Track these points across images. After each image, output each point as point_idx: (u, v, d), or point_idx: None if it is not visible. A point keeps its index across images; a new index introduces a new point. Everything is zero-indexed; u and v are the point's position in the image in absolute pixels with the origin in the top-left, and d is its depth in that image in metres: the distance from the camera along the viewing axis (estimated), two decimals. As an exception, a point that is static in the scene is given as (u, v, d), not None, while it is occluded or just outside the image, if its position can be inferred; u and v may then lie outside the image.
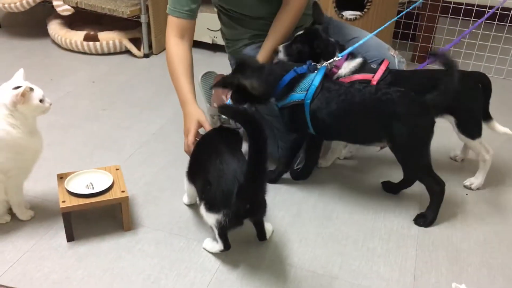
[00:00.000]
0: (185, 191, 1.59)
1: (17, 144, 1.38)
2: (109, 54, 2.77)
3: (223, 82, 1.59)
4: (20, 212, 1.50)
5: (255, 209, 1.35)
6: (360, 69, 1.66)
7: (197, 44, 2.79)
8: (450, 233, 1.55)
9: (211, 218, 1.32)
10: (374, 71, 1.64)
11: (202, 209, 1.34)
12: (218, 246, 1.38)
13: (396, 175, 1.69)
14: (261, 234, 1.47)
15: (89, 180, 1.50)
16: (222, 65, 2.01)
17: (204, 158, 1.40)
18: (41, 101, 1.42)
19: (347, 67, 1.66)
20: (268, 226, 1.49)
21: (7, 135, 1.36)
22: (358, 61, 1.67)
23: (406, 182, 1.68)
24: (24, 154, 1.42)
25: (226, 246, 1.38)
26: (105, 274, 1.35)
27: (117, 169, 1.55)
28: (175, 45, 1.73)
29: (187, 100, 1.67)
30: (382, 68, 1.65)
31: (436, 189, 1.55)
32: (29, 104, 1.38)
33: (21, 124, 1.38)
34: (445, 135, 1.76)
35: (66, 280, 1.32)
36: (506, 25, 2.76)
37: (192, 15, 1.74)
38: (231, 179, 1.27)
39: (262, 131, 1.16)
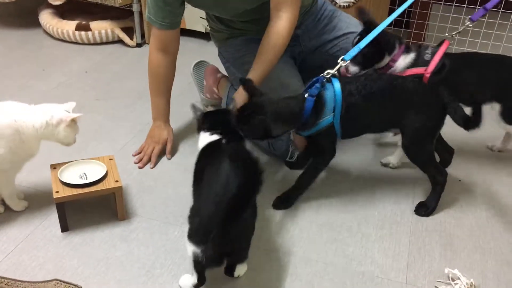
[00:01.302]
0: None
1: (21, 142, 1.40)
2: (102, 43, 2.75)
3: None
4: (13, 203, 1.50)
5: (235, 254, 1.23)
6: (414, 63, 1.63)
7: (190, 33, 2.78)
8: (443, 219, 1.56)
9: (189, 248, 1.17)
10: (427, 64, 1.61)
11: (186, 233, 1.19)
12: (192, 280, 1.23)
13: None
14: (230, 270, 1.31)
15: (83, 170, 1.50)
16: (215, 54, 1.99)
17: (201, 175, 1.25)
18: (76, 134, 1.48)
19: (402, 62, 1.62)
20: (243, 267, 1.33)
21: (19, 131, 1.38)
22: (412, 56, 1.63)
23: None
24: (21, 154, 1.43)
25: (200, 280, 1.22)
26: (100, 263, 1.35)
27: (110, 159, 1.55)
28: (156, 61, 1.71)
29: (159, 119, 1.82)
30: (436, 59, 1.61)
31: (439, 179, 1.55)
32: (70, 130, 1.44)
33: (41, 134, 1.42)
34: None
35: (61, 269, 1.32)
36: (511, 13, 2.75)
37: (174, 26, 1.68)
38: (213, 214, 1.12)
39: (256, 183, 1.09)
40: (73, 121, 1.43)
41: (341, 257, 1.40)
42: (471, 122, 1.41)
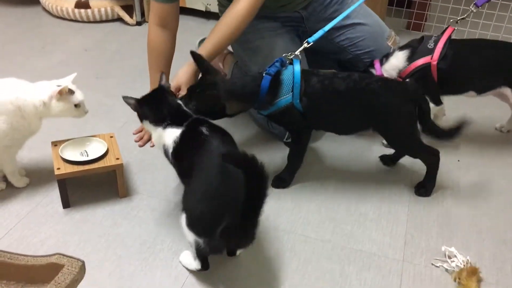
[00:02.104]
0: None
1: (23, 119, 1.40)
2: (101, 21, 2.73)
3: (192, 99, 1.39)
4: (15, 179, 1.51)
5: (242, 244, 1.19)
6: (413, 56, 1.64)
7: (190, 12, 2.76)
8: (441, 199, 1.58)
9: (190, 236, 1.18)
10: (431, 52, 1.61)
11: (183, 220, 1.18)
12: (195, 265, 1.26)
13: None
14: (232, 253, 1.33)
15: (83, 148, 1.51)
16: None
17: (198, 161, 1.20)
18: (76, 105, 1.45)
19: (390, 67, 1.66)
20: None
21: (21, 109, 1.39)
22: (400, 54, 1.66)
23: (398, 154, 1.70)
24: (22, 130, 1.43)
25: (204, 266, 1.25)
26: (101, 239, 1.37)
27: (111, 137, 1.56)
28: (155, 36, 1.68)
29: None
30: (439, 46, 1.61)
31: (433, 160, 1.55)
32: (62, 103, 1.42)
33: (41, 112, 1.42)
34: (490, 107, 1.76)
35: (63, 245, 1.34)
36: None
37: None
38: (221, 206, 1.12)
39: (263, 181, 1.05)
40: (62, 93, 1.40)
41: (338, 236, 1.42)
42: (444, 132, 1.48)
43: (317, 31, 1.79)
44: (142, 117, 1.34)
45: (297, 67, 1.45)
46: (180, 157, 1.26)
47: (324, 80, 1.46)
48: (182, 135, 1.25)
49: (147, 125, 1.33)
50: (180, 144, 1.25)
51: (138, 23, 2.73)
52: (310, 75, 1.46)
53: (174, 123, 1.27)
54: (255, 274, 1.29)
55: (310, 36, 1.84)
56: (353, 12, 1.82)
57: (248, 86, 1.44)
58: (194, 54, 1.42)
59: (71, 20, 2.73)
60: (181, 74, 1.51)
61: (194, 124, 1.27)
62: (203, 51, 1.48)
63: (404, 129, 1.50)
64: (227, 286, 1.26)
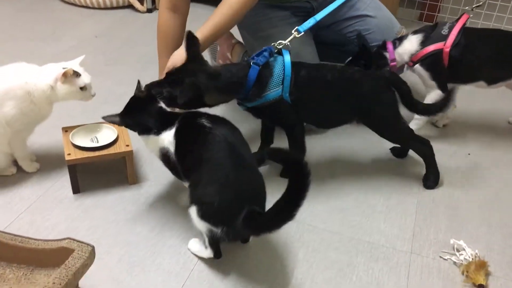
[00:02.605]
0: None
1: (34, 103, 1.41)
2: (112, 8, 2.73)
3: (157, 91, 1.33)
4: (26, 164, 1.52)
5: (264, 232, 1.17)
6: (426, 41, 1.63)
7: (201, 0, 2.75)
8: (451, 192, 1.57)
9: (202, 226, 1.18)
10: (444, 38, 1.60)
11: (193, 212, 1.18)
12: (207, 253, 1.26)
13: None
14: (246, 240, 1.34)
15: (94, 134, 1.52)
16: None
17: (205, 152, 1.19)
18: (82, 88, 1.43)
19: (403, 51, 1.65)
20: None
21: (30, 93, 1.39)
22: (413, 38, 1.65)
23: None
24: (33, 114, 1.44)
25: (217, 255, 1.26)
26: (111, 225, 1.38)
27: (121, 124, 1.56)
28: (166, 21, 1.66)
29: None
30: (454, 33, 1.60)
31: (425, 150, 1.55)
32: (67, 86, 1.41)
33: (49, 96, 1.42)
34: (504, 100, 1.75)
35: (73, 230, 1.35)
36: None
37: None
38: (240, 194, 1.13)
39: (307, 179, 1.07)
40: (66, 75, 1.40)
41: (347, 226, 1.42)
42: (426, 107, 1.49)
43: (325, 23, 1.78)
44: (132, 129, 1.33)
45: (287, 58, 1.41)
46: (183, 153, 1.24)
47: (311, 71, 1.44)
48: (178, 132, 1.24)
49: (140, 136, 1.31)
50: (180, 141, 1.24)
51: (149, 10, 2.73)
52: (298, 67, 1.43)
53: (165, 126, 1.26)
54: (263, 262, 1.30)
55: (318, 26, 1.83)
56: (363, 4, 1.81)
57: (233, 76, 1.37)
58: (189, 35, 1.35)
59: (82, 6, 2.73)
60: (177, 55, 1.46)
61: (189, 119, 1.26)
62: (199, 34, 1.44)
63: (387, 116, 1.50)
64: (236, 273, 1.26)
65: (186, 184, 1.27)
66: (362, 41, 1.66)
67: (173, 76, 1.34)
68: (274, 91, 1.40)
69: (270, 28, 1.75)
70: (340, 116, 1.53)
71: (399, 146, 1.71)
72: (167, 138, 1.26)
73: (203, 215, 1.16)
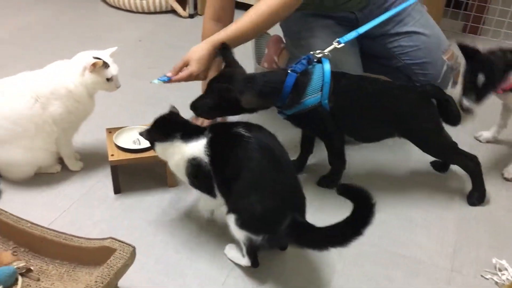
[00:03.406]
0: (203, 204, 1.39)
1: (77, 100, 1.45)
2: (155, 13, 2.78)
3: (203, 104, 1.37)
4: (70, 163, 1.57)
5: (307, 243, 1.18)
6: None
7: (242, 6, 2.75)
8: (493, 208, 1.53)
9: (241, 235, 1.18)
10: None
11: (231, 220, 1.18)
12: (244, 261, 1.26)
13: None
14: (285, 247, 1.34)
15: (137, 136, 1.54)
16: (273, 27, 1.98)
17: (245, 161, 1.17)
18: (109, 79, 1.45)
19: None
20: None
21: (74, 88, 1.43)
22: None
23: None
24: (77, 112, 1.48)
25: (255, 264, 1.25)
26: (150, 226, 1.40)
27: (162, 127, 1.58)
28: (209, 30, 1.67)
29: None
30: None
31: (471, 165, 1.51)
32: (94, 76, 1.43)
33: (85, 87, 1.44)
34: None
35: (113, 229, 1.38)
36: None
37: None
38: (280, 202, 1.14)
39: (370, 217, 1.07)
40: (95, 66, 1.42)
41: (385, 240, 1.40)
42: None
43: (370, 35, 1.76)
44: (157, 140, 1.30)
45: (326, 66, 1.41)
46: (221, 163, 1.21)
47: (352, 82, 1.43)
48: (213, 141, 1.22)
49: (164, 148, 1.28)
50: (216, 150, 1.21)
51: (191, 16, 2.76)
52: (338, 76, 1.42)
53: (192, 135, 1.24)
54: (300, 272, 1.29)
55: (366, 40, 1.82)
56: (412, 20, 1.77)
57: (269, 81, 1.38)
58: (223, 44, 1.39)
59: (126, 10, 2.79)
60: (194, 49, 1.46)
61: (222, 128, 1.27)
62: (223, 33, 1.45)
63: (429, 131, 1.47)
64: (272, 281, 1.26)
65: (212, 201, 1.27)
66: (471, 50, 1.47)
67: (213, 83, 1.38)
68: (312, 97, 1.39)
69: (310, 37, 1.75)
70: (380, 131, 1.51)
71: (440, 160, 1.67)
72: (198, 146, 1.22)
73: (243, 224, 1.16)
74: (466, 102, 1.46)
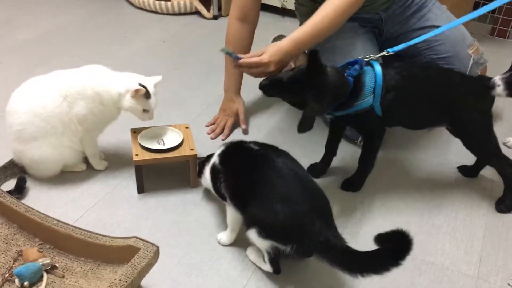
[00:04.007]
0: (228, 226, 1.35)
1: (103, 104, 1.46)
2: (179, 14, 2.80)
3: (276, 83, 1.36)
4: (95, 162, 1.58)
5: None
6: None
7: (265, 8, 2.76)
8: (522, 216, 1.49)
9: (267, 245, 1.18)
10: None
11: (253, 235, 1.18)
12: (266, 267, 1.26)
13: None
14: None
15: (161, 136, 1.55)
16: (291, 30, 1.97)
17: (258, 177, 1.19)
18: (145, 110, 1.46)
19: None
20: None
21: (100, 93, 1.44)
22: None
23: (480, 163, 1.62)
24: (102, 115, 1.49)
25: (276, 271, 1.25)
26: (173, 226, 1.41)
27: (186, 128, 1.59)
28: (234, 29, 1.69)
29: (230, 90, 1.83)
30: None
31: (509, 172, 1.48)
32: (133, 102, 1.44)
33: (116, 102, 1.45)
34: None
35: (136, 228, 1.39)
36: None
37: None
38: (304, 209, 1.12)
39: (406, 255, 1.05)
40: (138, 93, 1.42)
41: (409, 245, 1.38)
42: None
43: (393, 34, 1.73)
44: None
45: (378, 69, 1.40)
46: (232, 177, 1.25)
47: (402, 71, 1.41)
48: (224, 152, 1.31)
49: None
50: (227, 165, 1.28)
51: (215, 17, 2.77)
52: (387, 70, 1.41)
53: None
54: (322, 278, 1.28)
55: (386, 37, 1.80)
56: (434, 15, 1.75)
57: (340, 87, 1.36)
58: (314, 53, 1.30)
59: (151, 11, 2.81)
60: (274, 43, 1.45)
61: (234, 142, 1.34)
62: (302, 29, 1.44)
63: (479, 125, 1.45)
64: (294, 285, 1.25)
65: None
66: None
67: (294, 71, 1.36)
68: (365, 101, 1.39)
69: (336, 39, 1.73)
70: (431, 117, 1.48)
71: (468, 165, 1.64)
72: (216, 155, 1.32)
73: (268, 235, 1.15)
74: (498, 81, 1.39)
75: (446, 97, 1.43)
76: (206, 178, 1.35)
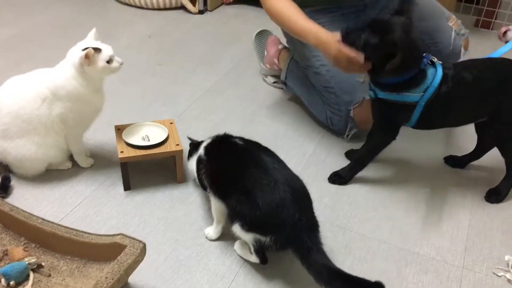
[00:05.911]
0: (214, 219, 1.35)
1: (80, 99, 1.43)
2: (165, 9, 2.79)
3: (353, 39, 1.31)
4: (81, 160, 1.57)
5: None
6: None
7: (253, 2, 2.75)
8: (507, 205, 1.51)
9: (250, 238, 1.20)
10: None
11: (238, 229, 1.20)
12: (253, 258, 1.27)
13: (462, 145, 1.64)
14: None
15: (145, 133, 1.54)
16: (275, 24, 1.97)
17: (240, 169, 1.22)
18: (109, 61, 1.41)
19: None
20: None
21: (74, 89, 1.41)
22: None
23: (474, 156, 1.62)
24: (85, 109, 1.47)
25: (263, 261, 1.26)
26: (160, 222, 1.40)
27: (171, 123, 1.59)
28: (277, 1, 1.62)
29: (319, 32, 1.50)
30: None
31: None
32: (94, 66, 1.39)
33: (88, 83, 1.42)
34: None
35: (123, 225, 1.38)
36: None
37: None
38: (282, 200, 1.14)
39: None
40: (88, 56, 1.35)
41: (396, 236, 1.39)
42: None
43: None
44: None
45: (439, 71, 1.36)
46: (214, 170, 1.29)
47: (453, 82, 1.36)
48: (208, 144, 1.35)
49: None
50: (209, 151, 1.32)
51: (200, 12, 2.76)
52: (445, 74, 1.36)
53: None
54: (308, 269, 1.29)
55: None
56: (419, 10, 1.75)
57: (418, 62, 1.33)
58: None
59: (136, 6, 2.79)
60: (331, 33, 1.43)
61: (218, 136, 1.36)
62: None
63: None
64: (282, 278, 1.26)
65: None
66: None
67: (378, 25, 1.31)
68: (412, 95, 1.35)
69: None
70: (475, 114, 1.45)
71: (455, 156, 1.66)
72: (201, 147, 1.35)
73: (250, 227, 1.17)
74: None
75: (497, 91, 1.37)
76: (192, 165, 1.39)
